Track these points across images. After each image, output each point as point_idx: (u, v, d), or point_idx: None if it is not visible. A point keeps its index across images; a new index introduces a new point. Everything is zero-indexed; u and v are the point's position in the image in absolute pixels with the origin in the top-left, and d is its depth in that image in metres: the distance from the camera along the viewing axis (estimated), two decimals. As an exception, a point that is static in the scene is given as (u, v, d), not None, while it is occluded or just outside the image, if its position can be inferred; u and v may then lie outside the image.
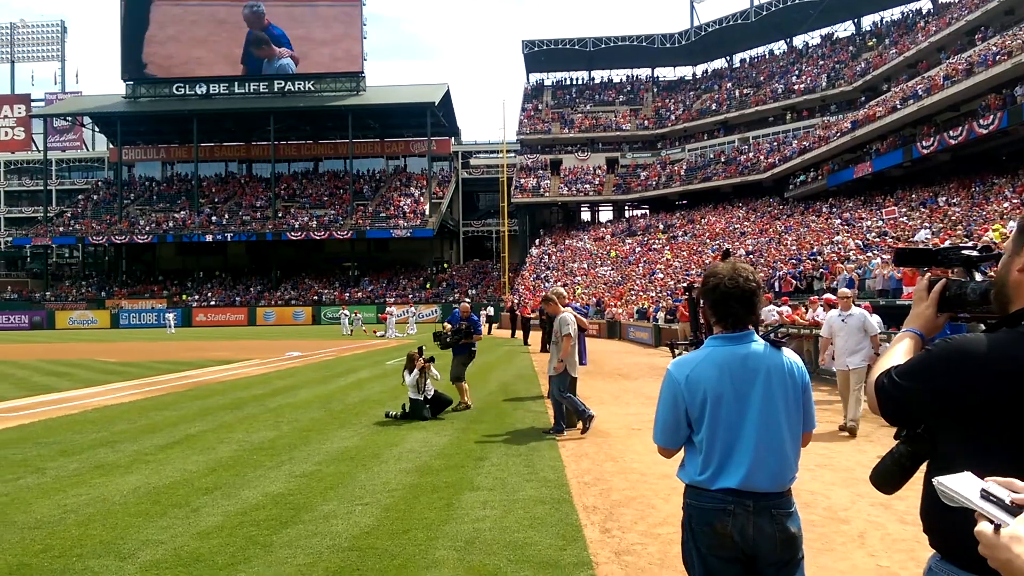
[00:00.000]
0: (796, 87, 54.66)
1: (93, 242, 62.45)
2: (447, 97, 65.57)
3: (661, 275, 42.25)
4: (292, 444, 8.41)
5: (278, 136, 64.32)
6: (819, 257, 26.92)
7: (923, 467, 1.87)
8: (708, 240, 45.69)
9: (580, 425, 9.06)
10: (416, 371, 10.12)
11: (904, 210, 30.58)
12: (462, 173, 71.13)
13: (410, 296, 58.17)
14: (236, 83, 65.57)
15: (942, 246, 2.12)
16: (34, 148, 75.26)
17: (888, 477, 1.93)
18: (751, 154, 54.16)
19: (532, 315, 28.72)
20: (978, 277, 1.94)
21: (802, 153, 45.94)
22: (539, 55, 67.55)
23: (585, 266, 51.66)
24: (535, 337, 26.21)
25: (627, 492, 6.26)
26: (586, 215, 67.53)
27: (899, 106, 35.97)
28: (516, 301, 39.85)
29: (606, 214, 66.31)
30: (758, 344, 2.53)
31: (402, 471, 6.96)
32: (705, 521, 2.45)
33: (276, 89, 65.35)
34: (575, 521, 5.34)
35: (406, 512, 5.56)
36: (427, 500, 5.90)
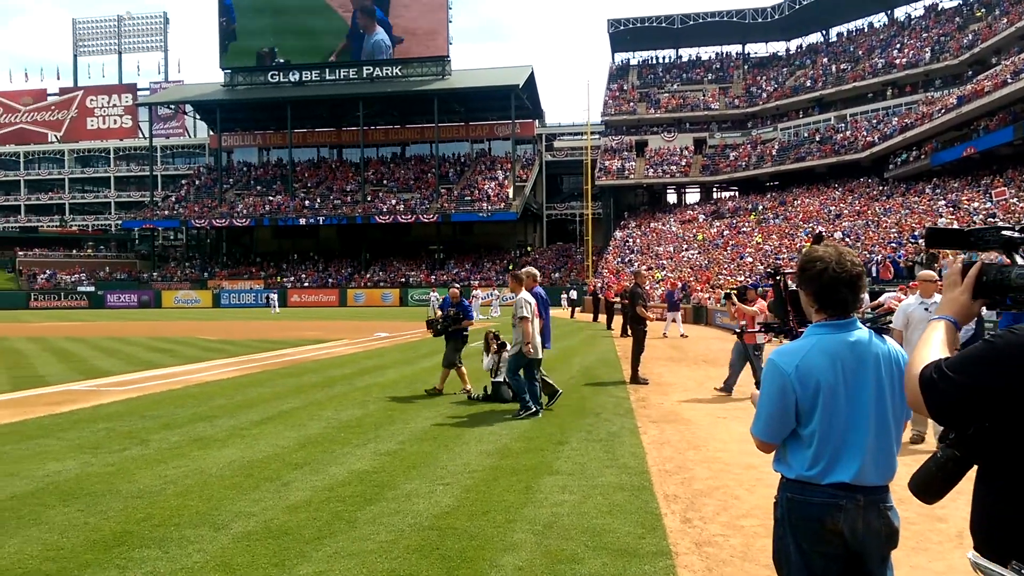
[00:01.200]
0: (897, 61, 51.89)
1: (196, 225, 65.64)
2: (531, 79, 65.42)
3: (750, 259, 41.10)
4: (378, 423, 8.64)
5: (367, 121, 65.72)
6: (921, 241, 25.60)
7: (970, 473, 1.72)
8: (800, 223, 44.12)
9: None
10: (492, 354, 10.19)
11: (1014, 191, 28.67)
12: (546, 156, 70.95)
13: (494, 279, 58.64)
14: (327, 69, 67.32)
15: (978, 226, 1.93)
16: (140, 135, 79.50)
17: (930, 484, 1.78)
18: (848, 132, 51.86)
19: (615, 299, 28.47)
20: (1019, 260, 1.76)
21: (903, 131, 43.67)
22: (624, 34, 66.46)
23: (671, 249, 50.77)
24: (619, 321, 25.96)
25: (710, 482, 6.14)
26: (672, 197, 66.31)
27: (1010, 80, 33.66)
28: (599, 285, 39.58)
29: (693, 196, 64.91)
30: (862, 331, 2.42)
31: (483, 453, 7.04)
32: (813, 517, 2.35)
33: (365, 75, 66.74)
34: (655, 509, 5.27)
35: (486, 493, 5.62)
36: (506, 482, 5.95)
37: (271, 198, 66.38)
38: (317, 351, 18.61)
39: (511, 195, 61.54)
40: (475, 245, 65.53)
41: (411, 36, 65.67)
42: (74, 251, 71.32)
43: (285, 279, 63.17)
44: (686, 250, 49.70)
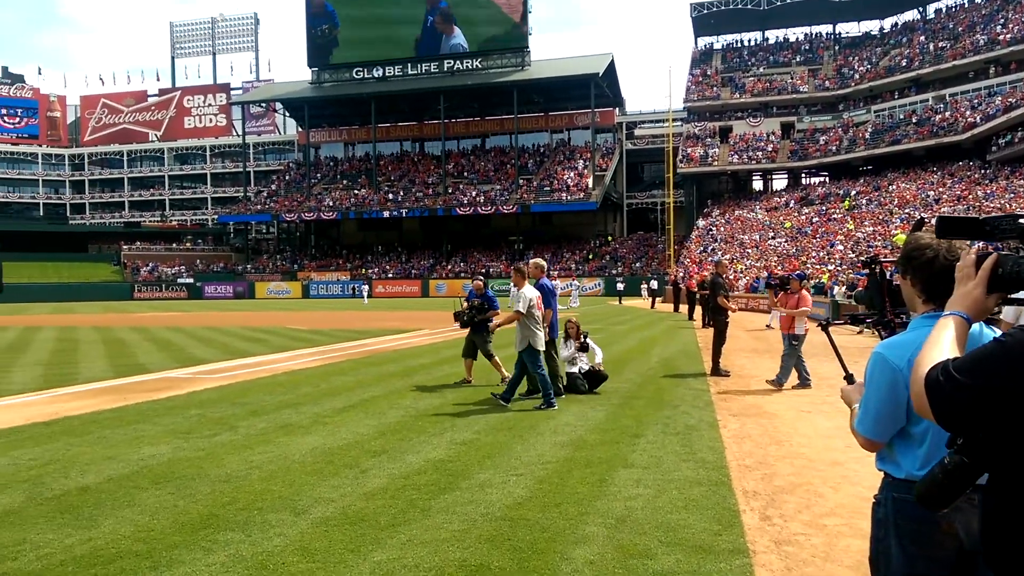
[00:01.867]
0: (1002, 37, 48.72)
1: (286, 219, 68.04)
2: (611, 67, 64.68)
3: (841, 247, 39.56)
4: (454, 412, 8.74)
5: (447, 114, 66.47)
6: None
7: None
8: (896, 208, 42.13)
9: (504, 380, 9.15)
10: (570, 345, 10.15)
11: None
12: (626, 144, 70.08)
13: (573, 269, 58.43)
14: (409, 64, 68.44)
15: (993, 215, 1.76)
16: (234, 133, 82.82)
17: (937, 492, 1.65)
18: (947, 113, 49.15)
19: (696, 289, 27.87)
20: None
21: (1008, 111, 41.07)
22: (708, 17, 64.86)
23: (756, 238, 49.36)
24: (701, 312, 25.42)
25: (792, 478, 5.93)
26: (758, 184, 64.41)
27: None
28: (681, 274, 38.90)
29: (780, 182, 62.90)
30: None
31: (557, 444, 7.02)
32: (925, 519, 2.22)
33: (446, 68, 67.50)
34: (733, 506, 5.13)
35: (559, 485, 5.60)
36: (580, 475, 5.91)
37: (356, 192, 68.08)
38: (398, 341, 18.98)
39: (591, 184, 61.11)
40: (554, 235, 65.45)
41: (487, 28, 66.12)
42: (174, 245, 75.03)
43: (370, 270, 64.74)
44: (772, 238, 48.22)
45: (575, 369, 10.14)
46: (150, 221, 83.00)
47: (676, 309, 31.76)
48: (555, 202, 60.51)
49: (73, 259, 70.33)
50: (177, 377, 12.27)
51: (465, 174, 68.05)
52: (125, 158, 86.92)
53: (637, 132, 71.30)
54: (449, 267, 63.46)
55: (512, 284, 9.65)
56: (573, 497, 5.30)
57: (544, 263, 9.93)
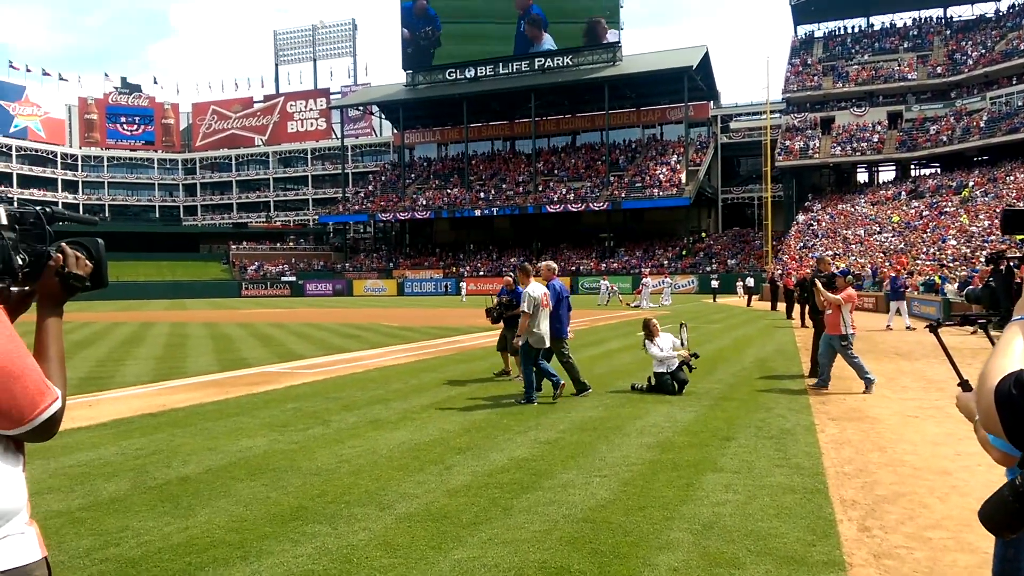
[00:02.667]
0: None
1: (382, 219, 69.88)
2: (705, 59, 63.16)
3: (954, 242, 37.29)
4: (539, 411, 8.70)
5: (538, 112, 66.56)
6: None
7: None
8: (1014, 201, 39.33)
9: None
10: (655, 342, 9.94)
11: None
12: (721, 138, 68.27)
13: (666, 266, 57.44)
14: (501, 64, 68.95)
15: None
16: (333, 136, 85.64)
17: (1004, 515, 1.47)
18: (1076, 97, 45.48)
19: (794, 287, 26.84)
20: None
21: None
22: (808, 5, 62.41)
23: (861, 233, 47.11)
24: (799, 310, 24.46)
25: (895, 487, 5.59)
26: (862, 176, 61.45)
27: None
28: (779, 271, 37.58)
29: (887, 174, 59.77)
30: None
31: (643, 446, 6.87)
32: None
33: (537, 67, 67.62)
34: (829, 515, 4.88)
35: (644, 488, 5.47)
36: (666, 478, 5.76)
37: (449, 191, 69.14)
38: (487, 338, 19.11)
39: (684, 180, 59.88)
40: (646, 232, 64.50)
41: (577, 25, 65.78)
42: (278, 244, 78.30)
43: (462, 268, 65.63)
44: (878, 233, 45.93)
45: (662, 369, 9.92)
46: (256, 222, 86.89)
47: (773, 307, 30.70)
48: (647, 198, 59.60)
49: (186, 258, 74.51)
50: (276, 371, 12.75)
51: (555, 172, 67.99)
52: (233, 162, 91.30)
53: (733, 125, 69.33)
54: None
55: (518, 284, 9.96)
56: (658, 501, 5.17)
57: (555, 265, 10.39)
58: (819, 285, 10.74)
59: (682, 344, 10.28)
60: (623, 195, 60.74)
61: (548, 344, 9.42)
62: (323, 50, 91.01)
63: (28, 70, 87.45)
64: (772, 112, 59.22)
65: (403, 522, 4.76)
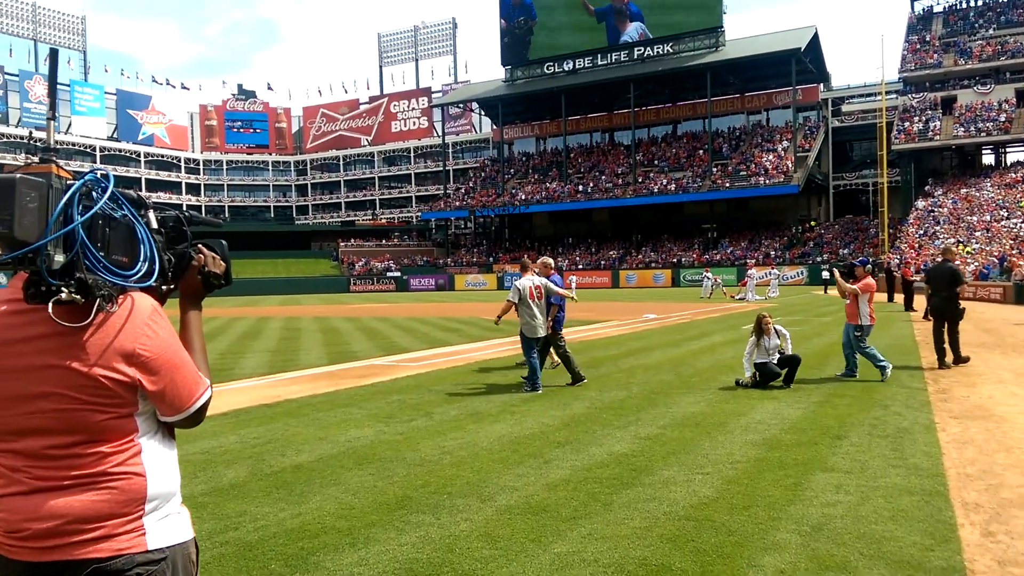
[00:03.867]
0: None
1: (482, 214, 70.77)
2: (815, 40, 60.48)
3: (1096, 226, 34.28)
4: (639, 406, 8.61)
5: (637, 102, 65.65)
6: None
7: None
8: None
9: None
10: (765, 341, 9.62)
11: None
12: (832, 122, 65.31)
13: (773, 257, 55.51)
14: (598, 55, 68.38)
15: None
16: (435, 134, 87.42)
17: None
18: None
19: (915, 277, 25.43)
20: None
21: None
22: (928, -23, 58.72)
23: (987, 219, 44.03)
24: (920, 302, 23.13)
25: (1022, 490, 5.23)
26: (988, 158, 57.41)
27: None
28: (896, 261, 35.62)
29: (1016, 155, 55.59)
30: None
31: (748, 443, 6.69)
32: None
33: (636, 56, 66.66)
34: (949, 519, 4.61)
35: (748, 487, 5.33)
36: (772, 476, 5.59)
37: (547, 185, 69.24)
38: (587, 331, 19.06)
39: (791, 167, 57.64)
40: (751, 222, 62.50)
41: (676, 14, 64.41)
42: (383, 241, 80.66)
43: (560, 262, 65.63)
44: (1007, 219, 42.79)
45: (763, 359, 9.63)
46: (363, 220, 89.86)
47: (890, 299, 29.14)
48: (752, 186, 57.75)
49: (298, 256, 77.89)
50: (382, 364, 13.15)
51: (656, 162, 66.87)
52: (341, 162, 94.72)
53: (844, 108, 66.15)
54: (639, 257, 62.72)
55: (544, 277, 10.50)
56: (764, 500, 5.02)
57: (551, 261, 10.95)
58: (837, 274, 10.73)
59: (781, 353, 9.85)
60: (727, 184, 59.11)
61: (541, 334, 9.94)
62: (424, 50, 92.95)
63: (155, 81, 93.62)
64: (888, 93, 56.11)
65: (503, 514, 4.82)
